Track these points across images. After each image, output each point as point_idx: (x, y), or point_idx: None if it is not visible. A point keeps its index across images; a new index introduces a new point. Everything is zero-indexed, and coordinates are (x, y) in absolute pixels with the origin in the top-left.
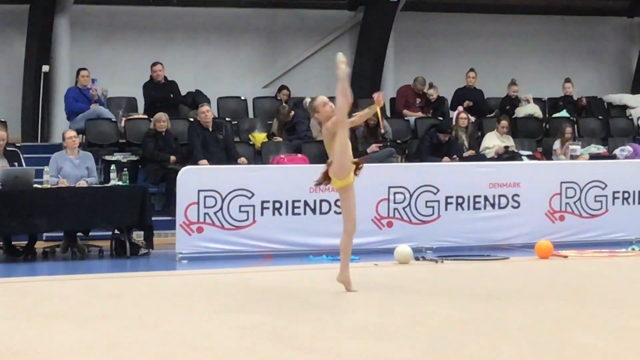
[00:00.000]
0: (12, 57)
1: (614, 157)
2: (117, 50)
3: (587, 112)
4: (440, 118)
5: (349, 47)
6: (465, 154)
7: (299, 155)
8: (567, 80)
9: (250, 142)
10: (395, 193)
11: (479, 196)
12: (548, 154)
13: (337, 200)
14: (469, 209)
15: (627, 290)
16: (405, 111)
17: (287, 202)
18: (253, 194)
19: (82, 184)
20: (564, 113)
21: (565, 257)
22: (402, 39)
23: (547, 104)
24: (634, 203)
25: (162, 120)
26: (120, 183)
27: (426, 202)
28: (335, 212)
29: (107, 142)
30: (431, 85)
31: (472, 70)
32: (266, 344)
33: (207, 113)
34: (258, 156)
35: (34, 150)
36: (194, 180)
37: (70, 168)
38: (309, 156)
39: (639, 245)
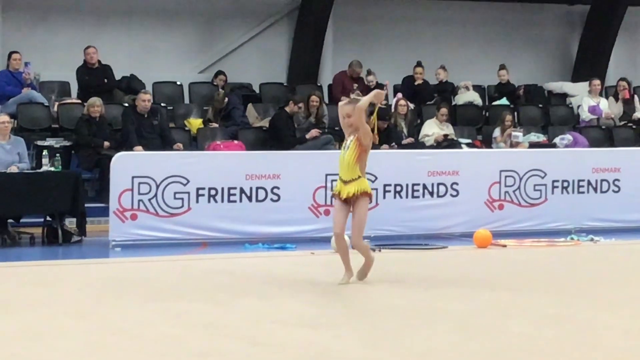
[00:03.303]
0: None
1: (554, 145)
2: (51, 33)
3: (526, 101)
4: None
5: (287, 33)
6: (404, 142)
7: (236, 141)
8: (502, 67)
9: (186, 128)
10: (332, 180)
11: (418, 184)
12: (488, 142)
13: (274, 187)
14: (407, 197)
15: (565, 279)
16: (342, 98)
17: (222, 189)
18: (188, 181)
19: (13, 169)
20: (503, 101)
21: (504, 246)
22: (341, 24)
23: (487, 92)
24: (573, 192)
25: (96, 105)
26: (52, 169)
27: None
28: (272, 199)
29: (40, 127)
30: (369, 72)
31: (419, 65)
32: (200, 333)
33: (147, 103)
34: (194, 142)
35: None
36: (128, 166)
37: (1, 153)
38: (246, 143)
39: (578, 235)
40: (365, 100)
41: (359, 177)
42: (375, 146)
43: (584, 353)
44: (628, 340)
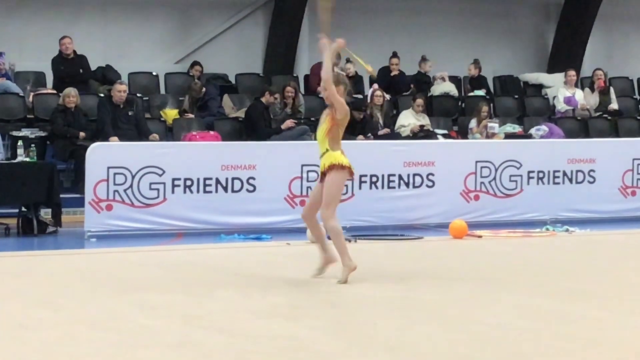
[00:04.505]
0: None
1: (530, 136)
2: (26, 23)
3: (502, 91)
4: (356, 96)
5: (263, 23)
6: (380, 133)
7: (212, 132)
8: (474, 61)
9: (162, 119)
10: (308, 171)
11: (394, 175)
12: (464, 133)
13: (250, 178)
14: (383, 187)
15: (540, 270)
16: (319, 89)
17: (198, 179)
18: (164, 172)
19: None
20: (480, 92)
21: (480, 237)
22: (316, 15)
23: (463, 83)
24: (548, 183)
25: (71, 95)
26: (27, 159)
27: None
28: (248, 190)
29: (15, 117)
30: (348, 60)
31: (395, 56)
32: (175, 324)
33: (123, 93)
34: (169, 133)
35: None
36: (104, 157)
37: None
38: (222, 133)
39: (553, 226)
40: (326, 67)
41: (327, 150)
42: (351, 137)
43: (559, 343)
44: (603, 330)
